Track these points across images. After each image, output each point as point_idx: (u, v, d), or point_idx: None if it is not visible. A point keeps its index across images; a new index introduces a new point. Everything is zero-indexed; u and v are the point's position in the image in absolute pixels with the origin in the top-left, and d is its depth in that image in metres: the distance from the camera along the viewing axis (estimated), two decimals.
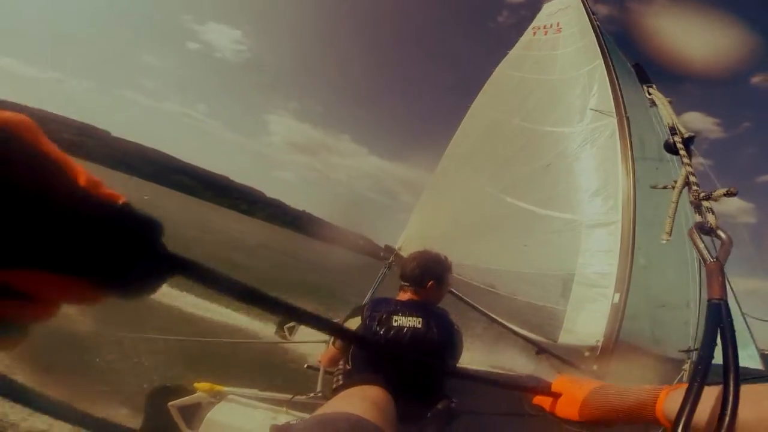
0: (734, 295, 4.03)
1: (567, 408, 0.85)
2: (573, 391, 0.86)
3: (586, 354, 3.01)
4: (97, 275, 0.27)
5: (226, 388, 2.29)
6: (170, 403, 2.19)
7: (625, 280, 3.15)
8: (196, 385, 2.26)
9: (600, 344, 2.99)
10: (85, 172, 0.28)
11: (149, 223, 0.29)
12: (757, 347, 3.85)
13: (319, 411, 0.87)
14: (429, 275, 1.94)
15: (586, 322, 3.20)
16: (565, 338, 3.23)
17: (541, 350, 3.23)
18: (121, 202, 0.28)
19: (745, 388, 0.61)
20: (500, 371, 3.33)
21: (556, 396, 0.88)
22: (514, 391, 0.96)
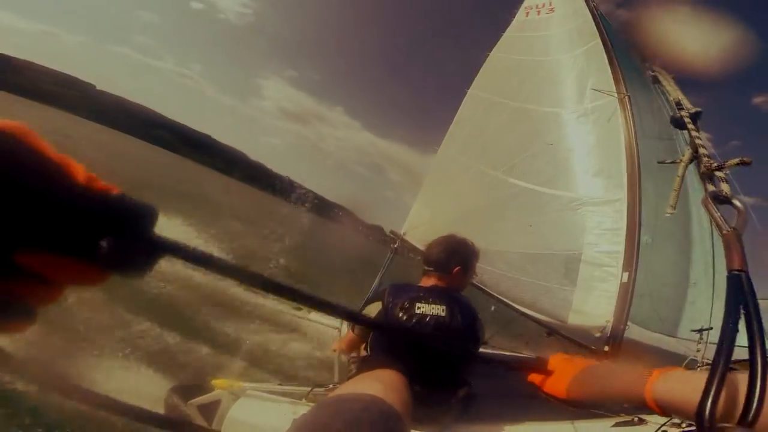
0: None
1: (556, 385, 0.84)
2: (564, 369, 0.85)
3: (597, 335, 3.02)
4: (95, 257, 0.31)
5: (245, 384, 2.26)
6: (190, 402, 2.19)
7: (633, 258, 3.15)
8: (214, 382, 2.25)
9: (610, 324, 3.00)
10: (83, 169, 0.32)
11: (141, 211, 0.34)
12: None
13: (332, 394, 0.87)
14: (455, 261, 1.87)
15: (595, 303, 3.20)
16: (574, 319, 3.23)
17: (551, 332, 3.24)
18: (114, 193, 0.33)
19: None
20: (507, 353, 3.33)
21: (550, 373, 0.87)
22: (513, 370, 0.95)
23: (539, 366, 0.90)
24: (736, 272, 0.72)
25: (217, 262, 0.38)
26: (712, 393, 0.57)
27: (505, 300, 3.50)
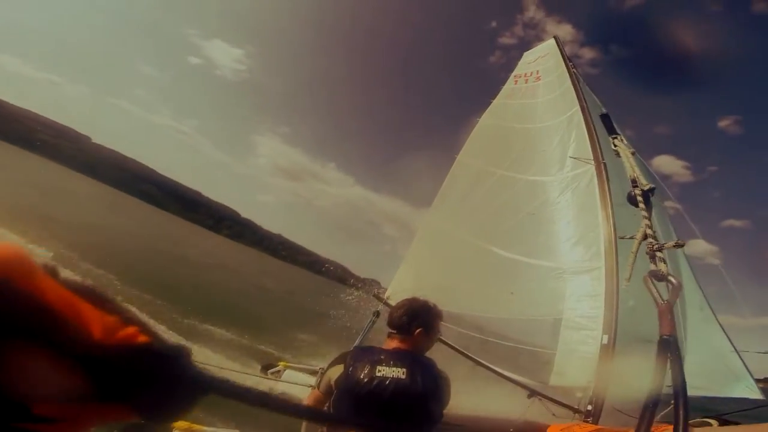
0: (725, 333, 4.11)
1: None
2: None
3: (579, 395, 3.06)
4: (128, 404, 0.29)
5: (205, 428, 2.25)
6: None
7: (613, 321, 3.24)
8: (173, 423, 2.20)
9: (592, 384, 3.05)
10: (100, 318, 0.29)
11: (172, 355, 0.31)
12: (753, 378, 3.88)
13: None
14: (417, 322, 1.91)
15: (576, 364, 3.26)
16: (556, 380, 3.27)
17: (533, 393, 3.26)
18: (139, 341, 0.31)
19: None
20: (490, 416, 3.32)
21: None
22: None
23: None
24: (666, 337, 0.86)
25: (259, 396, 0.36)
26: None
27: (487, 364, 3.53)
